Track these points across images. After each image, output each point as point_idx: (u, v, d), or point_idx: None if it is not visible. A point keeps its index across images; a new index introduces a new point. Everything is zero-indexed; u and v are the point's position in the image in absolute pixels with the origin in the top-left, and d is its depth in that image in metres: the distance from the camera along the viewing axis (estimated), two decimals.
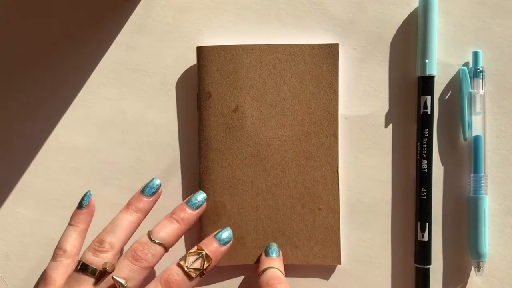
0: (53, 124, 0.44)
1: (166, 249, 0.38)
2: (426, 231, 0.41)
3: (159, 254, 0.38)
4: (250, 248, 0.42)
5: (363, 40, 0.43)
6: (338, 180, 0.41)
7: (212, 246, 0.39)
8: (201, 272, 0.37)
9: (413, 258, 0.42)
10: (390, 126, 0.42)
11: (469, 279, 0.42)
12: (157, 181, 0.40)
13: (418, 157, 0.41)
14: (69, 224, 0.41)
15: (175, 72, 0.43)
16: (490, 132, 0.42)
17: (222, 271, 0.42)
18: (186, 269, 0.37)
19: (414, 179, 0.42)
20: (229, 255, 0.41)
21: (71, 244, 0.40)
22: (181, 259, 0.38)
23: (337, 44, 0.42)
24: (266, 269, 0.39)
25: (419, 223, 0.41)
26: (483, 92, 0.41)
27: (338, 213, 0.41)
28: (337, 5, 0.43)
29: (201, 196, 0.41)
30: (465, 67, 0.42)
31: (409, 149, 0.42)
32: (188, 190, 0.43)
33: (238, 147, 0.42)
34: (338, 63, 0.42)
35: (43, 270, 0.43)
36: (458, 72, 0.42)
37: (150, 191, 0.40)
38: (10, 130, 0.44)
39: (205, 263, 0.38)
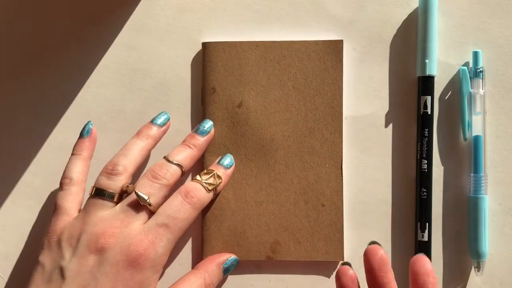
0: (53, 124, 0.44)
1: (182, 171, 0.40)
2: (426, 231, 0.41)
3: (177, 174, 0.39)
4: (253, 243, 0.41)
5: (363, 40, 0.43)
6: (341, 176, 0.41)
7: (219, 170, 0.41)
8: (215, 187, 0.40)
9: None
10: (390, 126, 0.42)
11: (469, 279, 0.42)
12: (167, 114, 0.42)
13: (418, 157, 0.41)
14: (72, 154, 0.41)
15: (175, 72, 0.43)
16: (490, 132, 0.42)
17: None
18: (203, 183, 0.39)
19: (414, 179, 0.42)
20: (231, 249, 0.41)
21: (77, 171, 0.40)
22: (195, 177, 0.40)
23: (342, 40, 0.42)
24: None
25: (419, 223, 0.41)
26: (483, 92, 0.41)
27: (342, 209, 0.41)
28: (337, 5, 0.43)
29: (208, 124, 0.42)
30: (465, 67, 0.42)
31: (409, 149, 0.42)
32: None
33: (242, 142, 0.42)
34: (342, 59, 0.42)
35: None
36: (458, 72, 0.42)
37: (160, 121, 0.41)
38: (10, 130, 0.44)
39: (217, 180, 0.40)
